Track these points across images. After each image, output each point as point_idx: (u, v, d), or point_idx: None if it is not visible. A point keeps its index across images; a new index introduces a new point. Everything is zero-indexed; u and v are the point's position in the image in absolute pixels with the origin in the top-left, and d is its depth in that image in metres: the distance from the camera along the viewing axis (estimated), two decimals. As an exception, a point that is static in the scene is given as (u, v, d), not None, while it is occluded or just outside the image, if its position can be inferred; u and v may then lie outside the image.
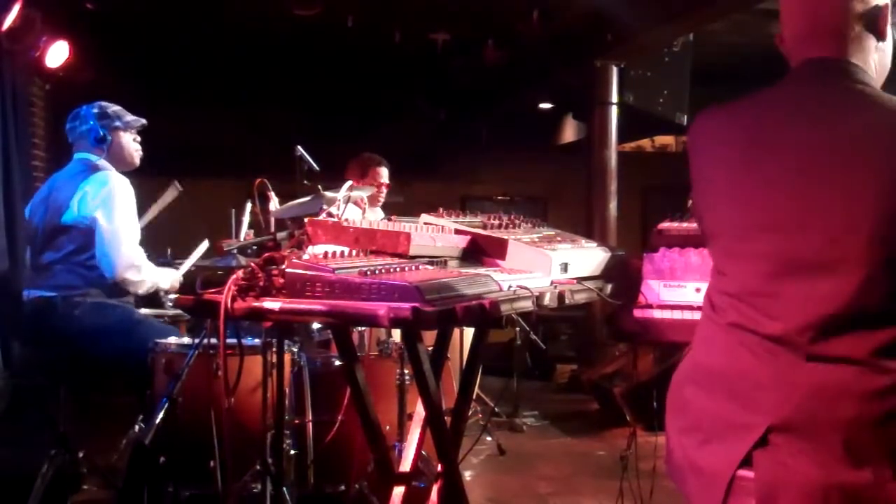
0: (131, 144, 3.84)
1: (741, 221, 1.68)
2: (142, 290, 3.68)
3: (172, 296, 3.90)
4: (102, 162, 3.74)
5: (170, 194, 4.05)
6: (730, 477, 1.60)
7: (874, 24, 1.69)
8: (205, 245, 3.99)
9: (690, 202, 1.91)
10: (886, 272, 1.52)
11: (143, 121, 3.88)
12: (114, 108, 3.82)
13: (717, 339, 1.71)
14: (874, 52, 1.71)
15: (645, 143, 10.93)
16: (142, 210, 3.85)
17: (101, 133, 3.73)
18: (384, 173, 5.22)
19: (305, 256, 2.00)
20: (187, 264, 3.94)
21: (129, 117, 3.83)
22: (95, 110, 3.78)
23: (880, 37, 1.70)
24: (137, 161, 3.89)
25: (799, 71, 1.73)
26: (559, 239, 2.52)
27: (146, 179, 3.94)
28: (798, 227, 1.59)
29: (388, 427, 3.60)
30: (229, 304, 1.87)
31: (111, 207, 3.57)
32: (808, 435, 1.54)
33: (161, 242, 4.19)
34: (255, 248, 3.53)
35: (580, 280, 2.36)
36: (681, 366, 1.80)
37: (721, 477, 1.62)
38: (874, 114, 1.61)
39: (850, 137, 1.57)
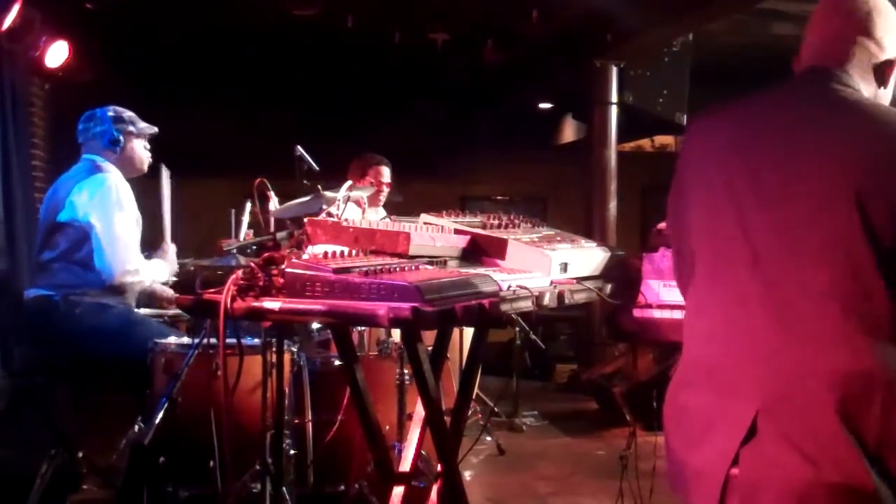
0: (143, 151, 3.87)
1: (721, 237, 1.71)
2: (141, 287, 3.70)
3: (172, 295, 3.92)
4: (107, 164, 3.74)
5: (166, 182, 3.97)
6: (723, 478, 1.61)
7: (881, 71, 1.77)
8: (166, 174, 3.88)
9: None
10: (857, 281, 1.55)
11: (155, 129, 3.90)
12: (128, 113, 3.84)
13: (701, 330, 1.75)
14: (875, 89, 1.77)
15: (645, 142, 10.91)
16: (149, 208, 3.84)
17: (116, 136, 3.75)
18: (385, 172, 5.21)
19: (305, 256, 2.00)
20: (165, 205, 3.87)
21: (142, 124, 3.86)
22: (111, 113, 3.79)
23: (883, 84, 1.78)
24: (146, 168, 3.90)
25: (793, 78, 1.79)
26: (559, 239, 2.52)
27: (144, 178, 3.94)
28: (777, 248, 1.62)
29: (387, 427, 3.60)
30: (229, 304, 1.87)
31: (107, 211, 3.58)
32: (792, 417, 1.56)
33: (158, 242, 4.17)
34: (254, 247, 3.53)
35: (580, 280, 2.36)
36: (674, 374, 1.82)
37: (714, 478, 1.62)
38: (851, 123, 1.65)
39: (819, 154, 1.61)
